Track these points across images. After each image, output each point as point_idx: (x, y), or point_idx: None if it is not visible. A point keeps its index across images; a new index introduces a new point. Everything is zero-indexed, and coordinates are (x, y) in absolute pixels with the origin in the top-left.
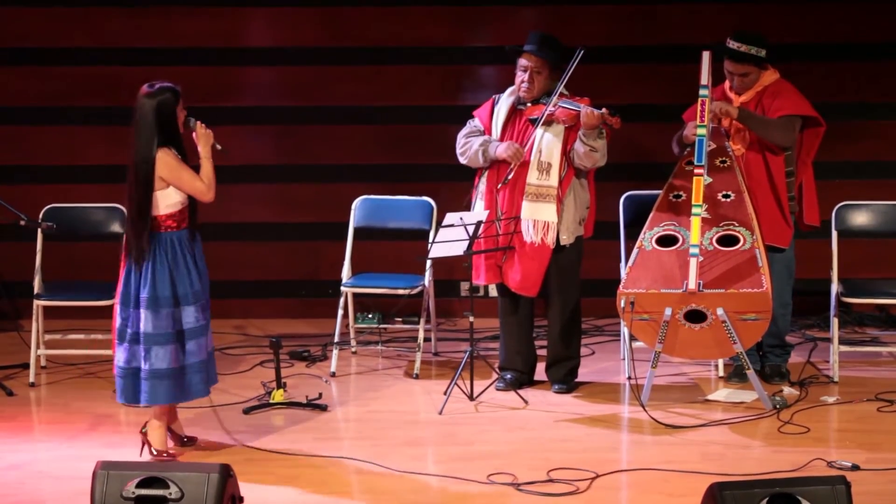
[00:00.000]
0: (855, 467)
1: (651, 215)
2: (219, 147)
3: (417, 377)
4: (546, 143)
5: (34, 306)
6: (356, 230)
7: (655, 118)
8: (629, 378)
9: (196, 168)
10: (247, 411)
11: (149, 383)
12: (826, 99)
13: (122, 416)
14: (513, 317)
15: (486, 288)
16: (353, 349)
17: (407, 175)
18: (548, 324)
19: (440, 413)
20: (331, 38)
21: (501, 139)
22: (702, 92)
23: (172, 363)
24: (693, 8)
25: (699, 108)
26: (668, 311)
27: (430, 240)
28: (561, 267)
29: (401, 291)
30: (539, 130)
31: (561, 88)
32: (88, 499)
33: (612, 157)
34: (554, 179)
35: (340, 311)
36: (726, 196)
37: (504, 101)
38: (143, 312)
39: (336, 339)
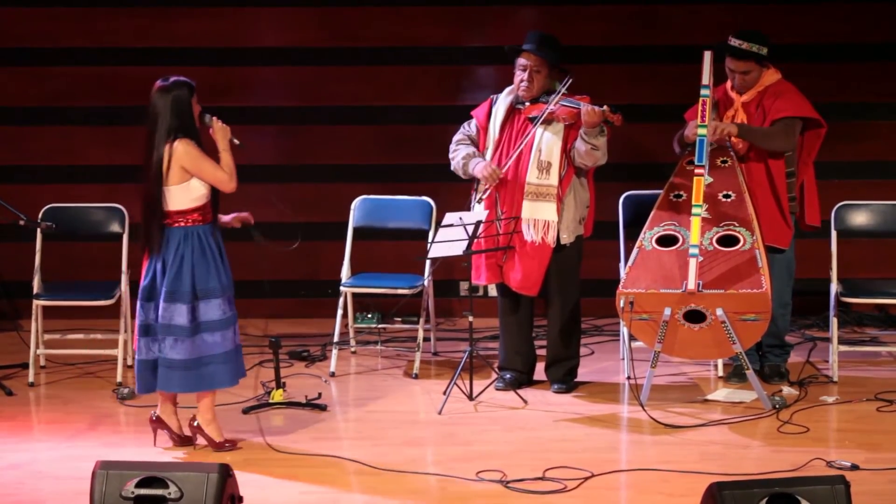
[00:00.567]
0: (854, 467)
1: (651, 215)
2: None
3: (417, 377)
4: (546, 142)
5: (33, 306)
6: (355, 230)
7: (656, 118)
8: (628, 378)
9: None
10: (246, 411)
11: (163, 370)
12: (827, 99)
13: (121, 416)
14: (512, 316)
15: (485, 288)
16: (353, 349)
17: (406, 175)
18: (547, 323)
19: (440, 413)
20: (330, 39)
21: (500, 139)
22: (703, 92)
23: (186, 355)
24: (693, 8)
25: (700, 108)
26: (667, 311)
27: (430, 240)
28: (561, 266)
29: (400, 291)
30: (539, 129)
31: (563, 88)
32: (88, 498)
33: (612, 157)
34: (554, 178)
35: (340, 311)
36: (727, 196)
37: (502, 101)
38: (161, 304)
39: (335, 338)
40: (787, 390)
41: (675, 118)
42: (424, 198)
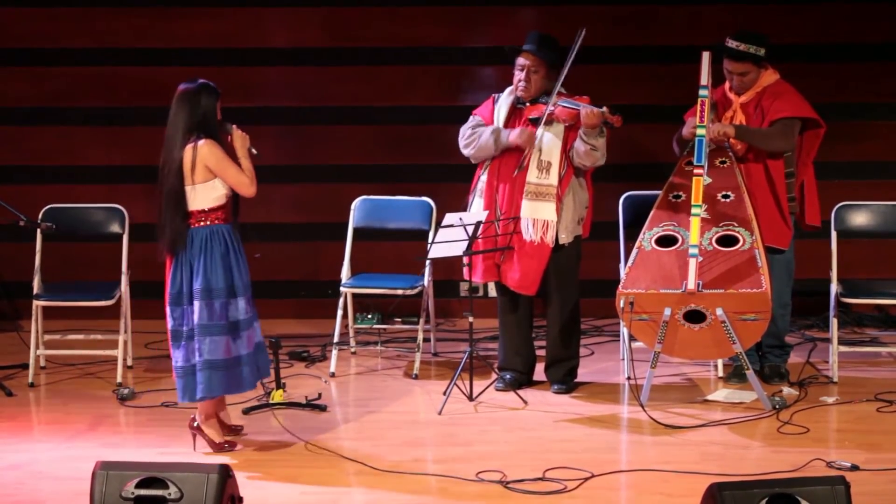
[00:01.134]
0: (854, 467)
1: (651, 215)
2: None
3: (417, 377)
4: (546, 142)
5: (33, 306)
6: (355, 230)
7: (655, 119)
8: (628, 378)
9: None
10: (246, 411)
11: (204, 374)
12: (826, 99)
13: (121, 417)
14: (512, 316)
15: (485, 288)
16: (353, 349)
17: (406, 175)
18: (547, 324)
19: (439, 413)
20: (330, 39)
21: None
22: (701, 92)
23: (226, 354)
24: (692, 9)
25: (699, 108)
26: (667, 312)
27: (430, 240)
28: (560, 267)
29: (400, 292)
30: (539, 130)
31: (559, 87)
32: (88, 499)
33: (612, 158)
34: (553, 178)
35: (340, 312)
36: (726, 196)
37: (504, 100)
38: (196, 304)
39: (335, 339)
40: (787, 391)
41: (674, 119)
42: (424, 198)
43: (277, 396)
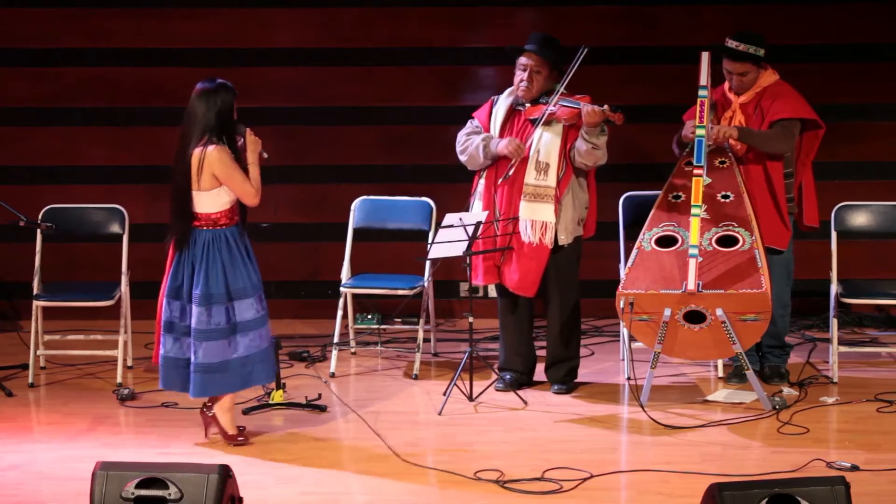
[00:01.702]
0: (854, 468)
1: (650, 216)
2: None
3: (417, 378)
4: (544, 143)
5: (33, 307)
6: (356, 231)
7: (655, 119)
8: (628, 379)
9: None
10: (246, 412)
11: (199, 377)
12: (825, 100)
13: (121, 417)
14: (512, 317)
15: (485, 288)
16: (353, 350)
17: (406, 175)
18: (547, 324)
19: (440, 414)
20: (330, 40)
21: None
22: (701, 92)
23: (223, 356)
24: (692, 9)
25: (698, 108)
26: (667, 312)
27: (430, 240)
28: (560, 267)
29: (400, 292)
30: (538, 130)
31: (562, 89)
32: (88, 499)
33: (612, 158)
34: (552, 179)
35: (340, 312)
36: (725, 196)
37: (502, 102)
38: (195, 309)
39: (335, 339)
40: (787, 391)
41: (674, 119)
42: (424, 198)
43: (277, 397)
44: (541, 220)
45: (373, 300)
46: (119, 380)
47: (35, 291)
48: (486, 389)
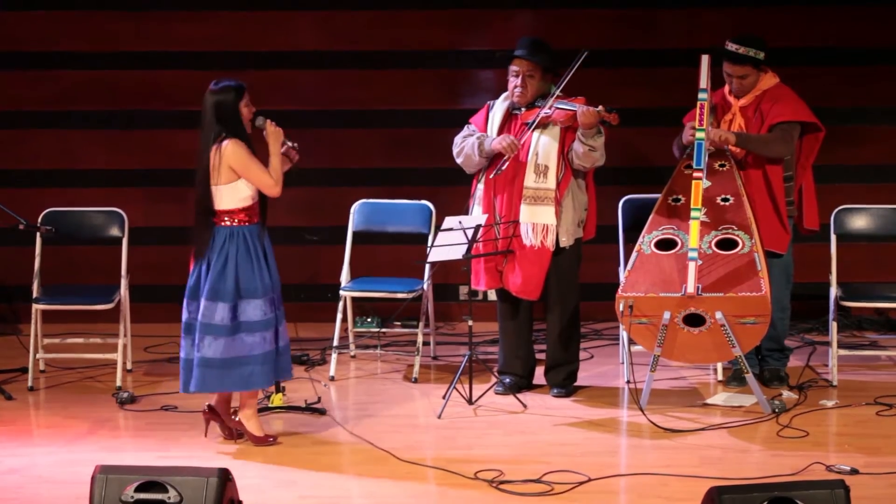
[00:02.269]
0: (854, 471)
1: (650, 219)
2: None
3: (416, 381)
4: (543, 145)
5: (33, 310)
6: (355, 234)
7: (654, 122)
8: (628, 382)
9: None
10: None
11: (199, 371)
12: (825, 103)
13: (121, 420)
14: (512, 321)
15: (485, 292)
16: (352, 353)
17: (406, 179)
18: (547, 327)
19: (439, 417)
20: (330, 43)
21: None
22: (700, 95)
23: (224, 354)
24: (691, 12)
25: (698, 111)
26: (666, 315)
27: (429, 243)
28: (560, 270)
29: (400, 295)
30: (535, 133)
31: (557, 92)
32: (87, 503)
33: (611, 161)
34: (551, 182)
35: (339, 315)
36: (725, 200)
37: (499, 107)
38: (203, 302)
39: (335, 343)
40: (787, 394)
41: (673, 122)
42: (424, 202)
43: (277, 400)
44: (542, 222)
45: (372, 303)
46: (118, 383)
47: (34, 295)
48: (485, 393)
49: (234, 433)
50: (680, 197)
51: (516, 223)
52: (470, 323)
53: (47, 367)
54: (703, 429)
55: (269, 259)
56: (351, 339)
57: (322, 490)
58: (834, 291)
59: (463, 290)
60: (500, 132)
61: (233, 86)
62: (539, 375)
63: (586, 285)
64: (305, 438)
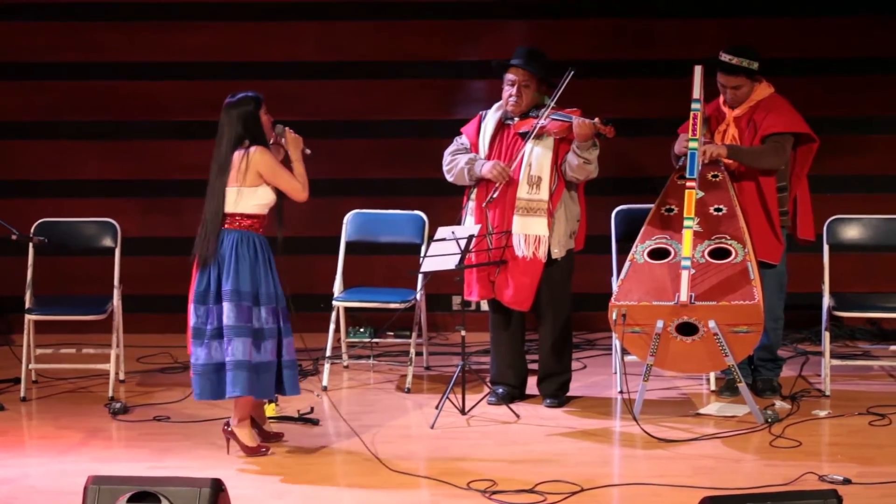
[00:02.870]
0: (846, 481)
1: (643, 229)
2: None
3: (409, 391)
4: (536, 156)
5: (25, 321)
6: (348, 244)
7: (648, 132)
8: (621, 392)
9: None
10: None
11: (232, 374)
12: (819, 113)
13: (113, 431)
14: (504, 332)
15: (477, 302)
16: (345, 363)
17: (399, 189)
18: (539, 338)
19: (432, 427)
20: (323, 53)
21: (489, 154)
22: (694, 106)
23: (249, 356)
24: (686, 23)
25: (691, 122)
26: (659, 324)
27: (422, 254)
28: (553, 281)
29: (392, 306)
30: (529, 144)
31: (552, 103)
32: None
33: (604, 172)
34: (544, 193)
35: (332, 326)
36: (718, 210)
37: (491, 117)
38: (225, 305)
39: (328, 353)
40: (780, 404)
41: (667, 132)
42: (417, 212)
43: (270, 410)
44: (534, 233)
45: (365, 314)
46: (111, 393)
47: (27, 305)
48: (478, 403)
49: (271, 436)
50: (673, 207)
51: (509, 234)
52: (463, 333)
53: (40, 377)
54: (695, 439)
55: (272, 269)
56: (344, 349)
57: (315, 501)
58: (827, 301)
59: (456, 300)
60: (491, 142)
61: (251, 96)
62: (532, 386)
63: (579, 295)
64: (298, 449)
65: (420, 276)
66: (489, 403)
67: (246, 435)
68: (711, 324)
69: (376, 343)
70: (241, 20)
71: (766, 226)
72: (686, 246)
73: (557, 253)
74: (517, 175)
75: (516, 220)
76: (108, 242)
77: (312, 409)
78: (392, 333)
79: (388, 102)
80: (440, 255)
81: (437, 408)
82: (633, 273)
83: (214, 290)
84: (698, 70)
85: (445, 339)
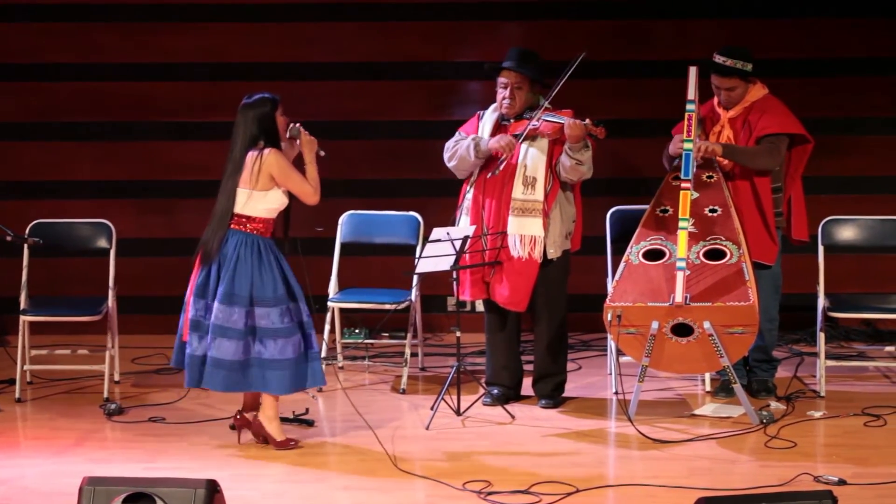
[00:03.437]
0: (842, 482)
1: (638, 230)
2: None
3: (404, 392)
4: (531, 157)
5: (20, 322)
6: (343, 245)
7: (643, 134)
8: (616, 393)
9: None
10: (233, 427)
11: (211, 370)
12: (814, 114)
13: (108, 432)
14: (500, 332)
15: (472, 303)
16: (340, 364)
17: (394, 190)
18: (534, 339)
19: (427, 428)
20: (318, 54)
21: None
22: (688, 107)
23: (234, 356)
24: (681, 24)
25: (686, 123)
26: (654, 325)
27: (417, 255)
28: (548, 281)
29: (387, 306)
30: (524, 145)
31: (546, 103)
32: None
33: (599, 173)
34: (539, 194)
35: (327, 327)
36: (713, 211)
37: (489, 117)
38: (216, 305)
39: (323, 354)
40: (775, 405)
41: (662, 133)
42: (411, 213)
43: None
44: (529, 234)
45: (360, 315)
46: (106, 394)
47: (22, 306)
48: (473, 404)
49: (261, 437)
50: (668, 208)
51: (504, 234)
52: (458, 334)
53: (35, 378)
54: (691, 439)
55: (285, 271)
56: (339, 350)
57: (310, 501)
58: (822, 302)
59: (451, 301)
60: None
61: (268, 98)
62: (527, 386)
63: (574, 296)
64: (293, 450)
65: (415, 277)
66: (484, 404)
67: (275, 429)
68: (706, 325)
69: (371, 344)
70: (235, 22)
71: (761, 227)
72: (681, 247)
73: (553, 253)
74: (512, 175)
75: (511, 220)
76: (102, 243)
77: (307, 409)
78: (387, 334)
79: (384, 104)
80: (435, 256)
81: (432, 409)
82: (628, 274)
83: (213, 287)
84: (693, 71)
85: (440, 340)
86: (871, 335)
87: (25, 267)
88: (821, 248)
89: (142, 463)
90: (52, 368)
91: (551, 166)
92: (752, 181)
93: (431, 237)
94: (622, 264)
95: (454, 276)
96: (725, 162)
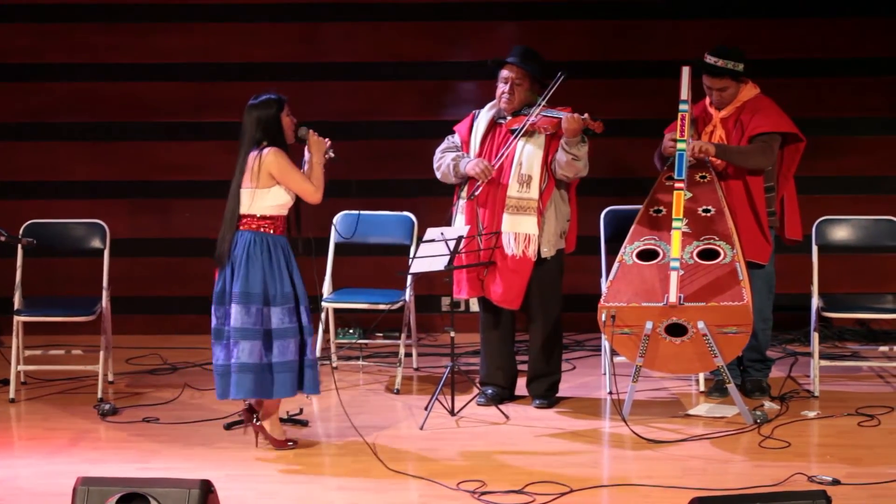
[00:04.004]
0: (835, 482)
1: (632, 230)
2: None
3: (398, 392)
4: (527, 155)
5: (14, 322)
6: (337, 245)
7: (636, 133)
8: (610, 393)
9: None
10: (227, 427)
11: (237, 376)
12: (807, 114)
13: (102, 432)
14: (494, 332)
15: (466, 303)
16: (334, 364)
17: (388, 190)
18: (529, 339)
19: (421, 428)
20: (313, 54)
21: (480, 153)
22: (681, 107)
23: (256, 359)
24: (675, 24)
25: (679, 122)
26: (648, 325)
27: (411, 255)
28: (542, 280)
29: (381, 307)
30: (520, 142)
31: (543, 101)
32: None
33: (594, 172)
34: (534, 192)
35: (322, 327)
36: (706, 210)
37: (484, 116)
38: (233, 307)
39: (318, 354)
40: (769, 405)
41: (655, 133)
42: (405, 213)
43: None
44: (524, 232)
45: (354, 315)
46: (100, 395)
47: (16, 306)
48: (467, 404)
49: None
50: (661, 208)
51: (498, 234)
52: (452, 334)
53: (29, 378)
54: (685, 439)
55: (292, 270)
56: (333, 350)
57: (304, 501)
58: (816, 302)
59: (445, 301)
60: (483, 141)
61: (274, 99)
62: (521, 386)
63: (568, 296)
64: (287, 451)
65: (409, 278)
66: (478, 404)
67: (275, 429)
68: (700, 325)
69: (365, 344)
70: (229, 21)
71: (755, 226)
72: (675, 247)
73: (547, 252)
74: (507, 173)
75: (506, 218)
76: (96, 244)
77: (301, 410)
78: (381, 334)
79: (378, 104)
80: (429, 256)
81: (426, 409)
82: (622, 274)
83: (228, 291)
84: (686, 71)
85: (435, 340)
86: (865, 335)
87: (19, 267)
88: (815, 248)
89: (136, 463)
90: (46, 369)
91: (547, 164)
92: (744, 181)
93: (425, 237)
94: (616, 264)
95: (449, 277)
96: (718, 162)
